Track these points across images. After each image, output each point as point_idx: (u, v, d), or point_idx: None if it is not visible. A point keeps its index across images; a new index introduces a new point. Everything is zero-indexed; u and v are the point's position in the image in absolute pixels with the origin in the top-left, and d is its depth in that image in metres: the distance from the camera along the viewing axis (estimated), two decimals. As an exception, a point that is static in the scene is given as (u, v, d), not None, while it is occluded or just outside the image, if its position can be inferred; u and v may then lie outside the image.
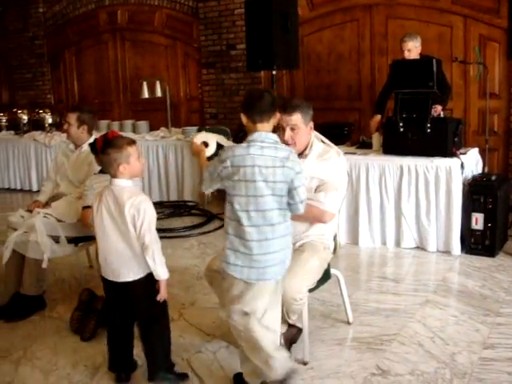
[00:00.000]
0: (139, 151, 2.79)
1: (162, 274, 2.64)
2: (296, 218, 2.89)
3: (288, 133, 2.94)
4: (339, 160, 3.00)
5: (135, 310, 2.76)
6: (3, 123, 8.52)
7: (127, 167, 2.68)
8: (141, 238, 2.62)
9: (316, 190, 2.94)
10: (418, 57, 5.13)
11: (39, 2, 9.19)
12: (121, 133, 3.15)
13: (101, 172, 3.36)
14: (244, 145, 2.40)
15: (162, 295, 2.67)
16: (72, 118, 4.03)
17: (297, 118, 2.93)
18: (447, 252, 4.59)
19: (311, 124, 3.02)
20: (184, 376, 2.85)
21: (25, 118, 8.25)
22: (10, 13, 9.49)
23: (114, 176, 2.71)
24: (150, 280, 2.66)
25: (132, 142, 2.75)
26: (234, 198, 2.40)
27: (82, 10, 8.84)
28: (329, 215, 2.93)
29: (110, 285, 2.76)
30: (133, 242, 2.65)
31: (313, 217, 2.93)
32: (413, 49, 5.10)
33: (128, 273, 2.68)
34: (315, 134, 3.12)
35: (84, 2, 8.77)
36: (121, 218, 2.65)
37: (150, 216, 2.64)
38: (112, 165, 2.67)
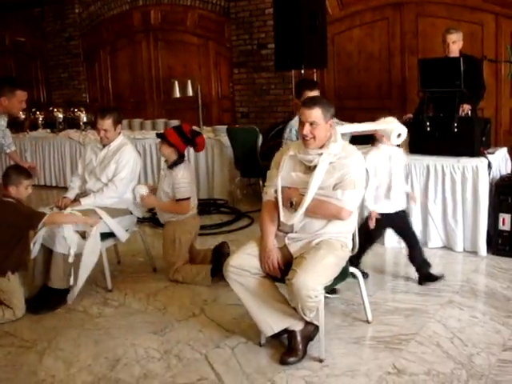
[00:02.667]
0: None
1: None
2: (313, 214, 2.93)
3: (307, 127, 2.95)
4: (357, 158, 2.99)
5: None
6: (40, 121, 8.73)
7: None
8: None
9: (334, 187, 2.94)
10: (458, 53, 4.97)
11: (75, 3, 9.41)
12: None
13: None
14: None
15: None
16: (107, 123, 4.08)
17: (316, 113, 2.94)
18: (474, 252, 4.53)
19: (331, 121, 3.03)
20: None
21: (60, 116, 8.48)
22: (48, 14, 9.74)
23: None
24: None
25: None
26: None
27: (116, 11, 9.03)
28: (346, 212, 2.92)
29: None
30: None
31: (330, 214, 2.94)
32: (457, 41, 4.97)
33: None
34: (338, 130, 3.10)
35: (118, 2, 8.95)
36: None
37: None
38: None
